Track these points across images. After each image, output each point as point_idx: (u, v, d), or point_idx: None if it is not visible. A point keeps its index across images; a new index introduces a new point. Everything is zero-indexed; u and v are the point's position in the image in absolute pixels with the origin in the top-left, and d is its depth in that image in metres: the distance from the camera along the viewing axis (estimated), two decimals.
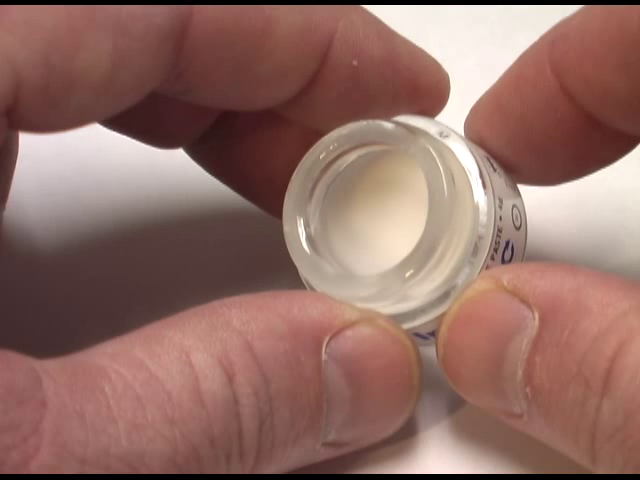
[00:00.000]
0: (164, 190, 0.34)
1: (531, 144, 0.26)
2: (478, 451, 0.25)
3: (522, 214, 0.25)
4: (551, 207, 0.32)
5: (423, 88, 0.26)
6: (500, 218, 0.24)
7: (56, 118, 0.22)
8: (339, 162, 0.25)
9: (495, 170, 0.25)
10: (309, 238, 0.24)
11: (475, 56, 0.38)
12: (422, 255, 0.23)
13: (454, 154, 0.24)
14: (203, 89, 0.25)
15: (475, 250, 0.23)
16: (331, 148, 0.24)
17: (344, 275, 0.24)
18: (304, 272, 0.24)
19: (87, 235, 0.33)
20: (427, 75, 0.26)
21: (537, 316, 0.21)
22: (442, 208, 0.23)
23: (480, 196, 0.24)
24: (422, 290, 0.23)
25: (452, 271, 0.23)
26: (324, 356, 0.22)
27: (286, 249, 0.25)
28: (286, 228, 0.24)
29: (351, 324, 0.23)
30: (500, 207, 0.24)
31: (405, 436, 0.26)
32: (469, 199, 0.24)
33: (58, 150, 0.36)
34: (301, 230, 0.25)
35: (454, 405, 0.27)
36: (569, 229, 0.32)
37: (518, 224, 0.25)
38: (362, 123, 0.24)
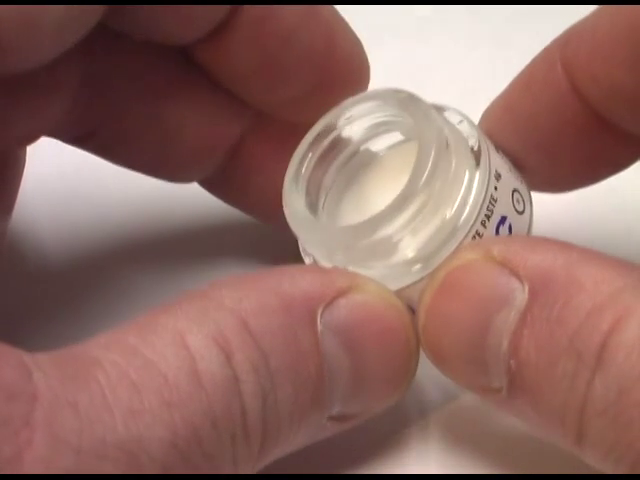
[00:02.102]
0: (167, 190, 0.34)
1: (542, 145, 0.26)
2: (473, 451, 0.25)
3: (526, 202, 0.25)
4: (551, 207, 0.32)
5: (338, 51, 0.26)
6: (495, 188, 0.24)
7: (36, 39, 0.22)
8: (347, 136, 0.25)
9: (498, 152, 0.25)
10: (308, 204, 0.25)
11: (475, 56, 0.38)
12: (400, 203, 0.23)
13: (453, 123, 0.24)
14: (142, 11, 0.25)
15: (463, 211, 0.23)
16: (336, 116, 0.25)
17: (330, 226, 0.24)
18: (297, 229, 0.24)
19: (87, 235, 0.33)
20: (344, 39, 0.26)
21: (527, 289, 0.21)
22: (425, 164, 0.23)
23: (473, 161, 0.24)
24: (406, 244, 0.23)
25: (440, 224, 0.23)
26: (320, 327, 0.22)
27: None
28: (285, 197, 0.25)
29: (343, 292, 0.22)
30: (497, 179, 0.24)
31: (401, 436, 0.26)
32: (462, 162, 0.24)
33: (58, 150, 0.36)
34: (299, 196, 0.25)
35: (450, 405, 0.27)
36: (569, 229, 0.32)
37: (520, 209, 0.25)
38: (370, 91, 0.25)
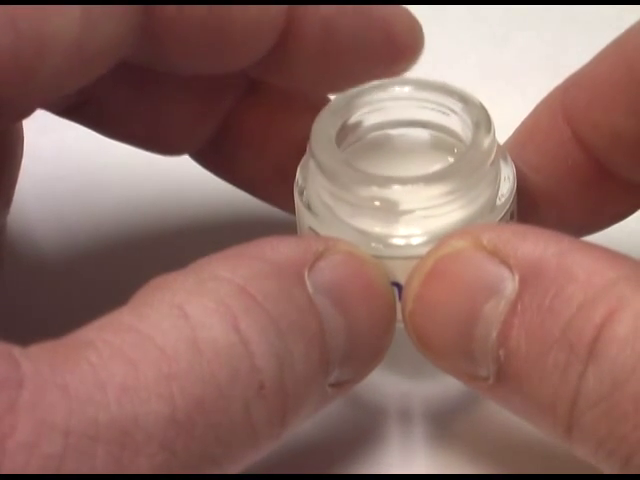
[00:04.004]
0: (165, 190, 0.34)
1: (545, 194, 0.26)
2: (474, 451, 0.25)
3: None
4: None
5: (396, 36, 0.26)
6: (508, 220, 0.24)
7: (31, 87, 0.22)
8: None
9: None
10: (336, 138, 0.25)
11: (475, 56, 0.38)
12: (422, 178, 0.23)
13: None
14: (176, 52, 0.25)
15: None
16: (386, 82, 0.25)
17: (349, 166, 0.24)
18: (317, 150, 0.24)
19: (88, 235, 0.33)
20: (399, 22, 0.26)
21: (517, 278, 0.21)
22: (469, 161, 0.23)
23: (507, 175, 0.24)
24: (408, 220, 0.23)
25: (450, 223, 0.23)
26: (310, 289, 0.22)
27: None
28: (320, 117, 0.25)
29: (320, 255, 0.22)
30: (511, 217, 0.24)
31: (401, 436, 0.26)
32: (494, 183, 0.24)
33: (58, 150, 0.36)
34: (335, 122, 0.25)
35: (450, 405, 0.27)
36: None
37: None
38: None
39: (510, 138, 0.27)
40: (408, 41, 0.26)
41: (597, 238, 0.26)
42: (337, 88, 0.27)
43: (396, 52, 0.26)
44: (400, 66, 0.26)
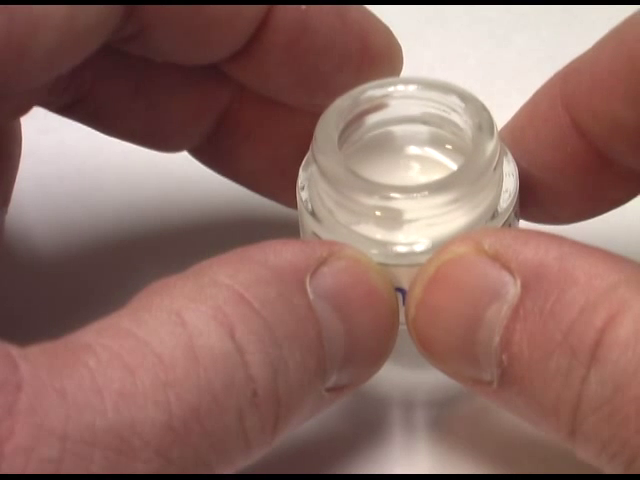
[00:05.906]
0: (165, 190, 0.34)
1: (543, 180, 0.26)
2: (477, 443, 0.25)
3: None
4: None
5: (373, 47, 0.26)
6: (509, 225, 0.24)
7: (25, 66, 0.22)
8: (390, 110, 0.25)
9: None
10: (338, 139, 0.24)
11: (475, 56, 0.38)
12: (426, 187, 0.23)
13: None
14: (157, 29, 0.25)
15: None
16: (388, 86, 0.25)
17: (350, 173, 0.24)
18: (318, 152, 0.24)
19: (87, 235, 0.33)
20: (376, 34, 0.26)
21: (519, 283, 0.21)
22: (473, 168, 0.23)
23: (509, 172, 0.24)
24: (412, 228, 0.23)
25: (454, 230, 0.23)
26: (311, 295, 0.22)
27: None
28: (324, 117, 0.25)
29: (324, 260, 0.22)
30: (516, 216, 0.24)
31: (401, 436, 0.26)
32: (497, 187, 0.24)
33: (58, 150, 0.36)
34: (337, 124, 0.25)
35: (450, 405, 0.27)
36: (568, 229, 0.32)
37: None
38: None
39: (508, 123, 0.27)
40: (384, 55, 0.27)
41: (597, 237, 0.26)
42: (309, 93, 0.27)
43: (371, 64, 0.26)
44: (374, 73, 0.26)
